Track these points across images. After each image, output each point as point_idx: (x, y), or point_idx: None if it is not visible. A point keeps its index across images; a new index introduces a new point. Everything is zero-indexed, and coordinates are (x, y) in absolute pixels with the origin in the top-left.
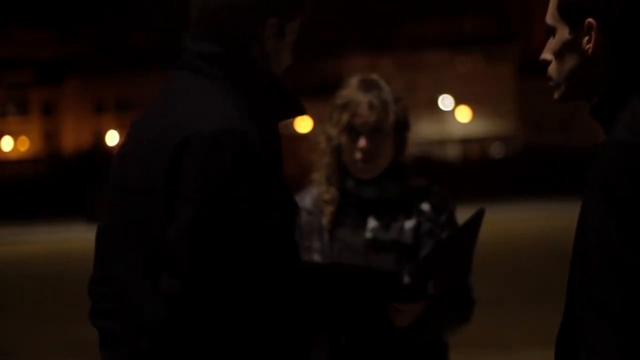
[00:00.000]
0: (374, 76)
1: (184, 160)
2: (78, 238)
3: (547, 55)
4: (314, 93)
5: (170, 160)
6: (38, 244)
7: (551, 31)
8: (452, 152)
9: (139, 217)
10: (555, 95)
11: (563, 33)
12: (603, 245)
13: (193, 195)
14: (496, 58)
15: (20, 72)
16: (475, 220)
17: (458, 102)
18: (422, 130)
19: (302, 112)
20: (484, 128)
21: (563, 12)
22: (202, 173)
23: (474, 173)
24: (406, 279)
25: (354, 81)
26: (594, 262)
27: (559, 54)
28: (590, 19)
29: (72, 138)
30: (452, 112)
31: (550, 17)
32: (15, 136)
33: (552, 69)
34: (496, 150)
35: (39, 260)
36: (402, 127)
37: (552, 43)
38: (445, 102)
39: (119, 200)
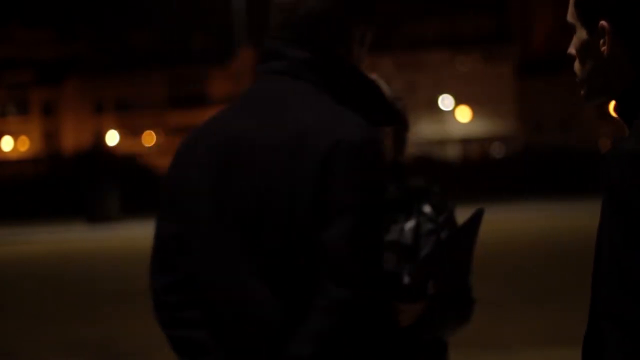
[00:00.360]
0: (374, 76)
1: (336, 167)
2: (78, 238)
3: (572, 50)
4: None
5: (319, 167)
6: (38, 244)
7: (572, 29)
8: (452, 152)
9: (261, 223)
10: (581, 93)
11: (581, 33)
12: (606, 245)
13: (354, 203)
14: (496, 58)
15: (20, 72)
16: (475, 220)
17: (458, 102)
18: (422, 130)
19: (397, 121)
20: (484, 128)
21: (579, 13)
22: (360, 181)
23: (474, 173)
24: (406, 279)
25: None
26: (603, 263)
27: (579, 54)
28: (603, 22)
29: (72, 138)
30: (452, 112)
31: (570, 15)
32: (15, 136)
33: (576, 67)
34: (496, 150)
35: (39, 260)
36: (401, 127)
37: (574, 40)
38: (445, 102)
39: (222, 206)
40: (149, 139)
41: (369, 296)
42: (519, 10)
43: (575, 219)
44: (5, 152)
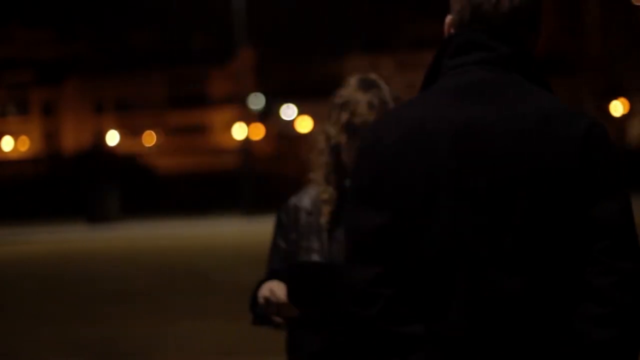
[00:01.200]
0: (373, 75)
1: (598, 148)
2: (78, 238)
3: None
4: (314, 93)
5: (577, 150)
6: (38, 244)
7: None
8: None
9: (512, 206)
10: None
11: None
12: None
13: (620, 179)
14: None
15: (20, 72)
16: None
17: None
18: None
19: None
20: None
21: None
22: (618, 160)
23: None
24: None
25: (353, 80)
26: None
27: None
28: None
29: (72, 138)
30: None
31: None
32: (15, 136)
33: None
34: None
35: (39, 260)
36: None
37: None
38: None
39: (465, 192)
40: (149, 139)
41: None
42: None
43: None
44: (5, 152)
